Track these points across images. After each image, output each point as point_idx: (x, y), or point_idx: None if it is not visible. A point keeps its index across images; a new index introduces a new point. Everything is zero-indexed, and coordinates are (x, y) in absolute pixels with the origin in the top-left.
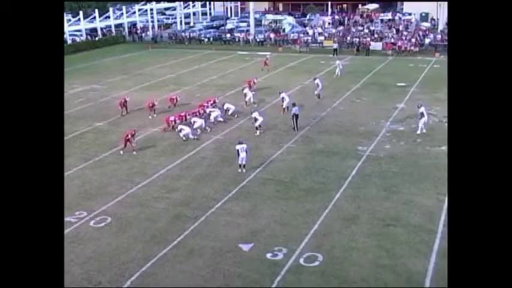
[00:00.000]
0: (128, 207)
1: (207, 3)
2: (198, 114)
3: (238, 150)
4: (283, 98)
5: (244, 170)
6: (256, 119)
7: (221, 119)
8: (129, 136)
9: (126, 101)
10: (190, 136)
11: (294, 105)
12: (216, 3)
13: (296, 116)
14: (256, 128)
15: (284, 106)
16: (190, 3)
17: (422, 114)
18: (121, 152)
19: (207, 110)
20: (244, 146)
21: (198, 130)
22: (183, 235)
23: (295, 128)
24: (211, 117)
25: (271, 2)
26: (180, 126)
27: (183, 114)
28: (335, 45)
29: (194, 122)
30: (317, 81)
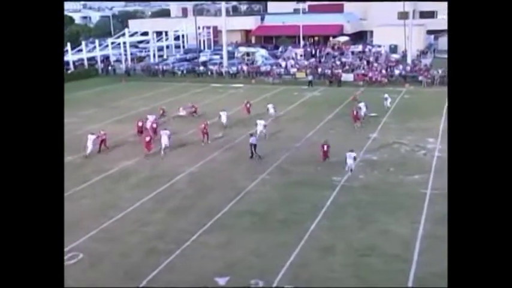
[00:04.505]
0: (100, 242)
1: (180, 36)
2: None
3: (346, 156)
4: (220, 116)
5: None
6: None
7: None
8: (206, 128)
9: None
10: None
11: (251, 135)
12: (189, 36)
13: (253, 145)
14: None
15: (224, 123)
16: (164, 36)
17: None
18: (202, 144)
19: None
20: (353, 154)
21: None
22: (158, 270)
23: (252, 157)
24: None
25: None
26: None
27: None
28: (310, 77)
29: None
30: (361, 104)
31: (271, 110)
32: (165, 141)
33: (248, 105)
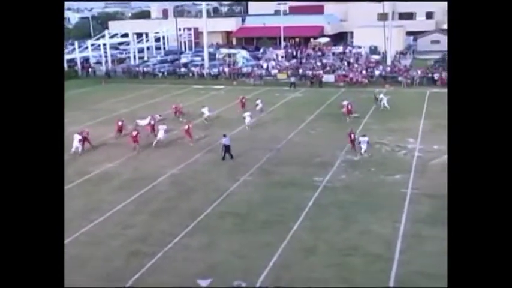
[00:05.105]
0: (82, 245)
1: (161, 37)
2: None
3: (360, 141)
4: (203, 112)
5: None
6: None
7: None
8: (190, 128)
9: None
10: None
11: (224, 136)
12: (170, 37)
13: (226, 146)
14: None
15: (209, 116)
16: (144, 37)
17: None
18: (191, 144)
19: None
20: (366, 138)
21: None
22: (140, 272)
23: (224, 158)
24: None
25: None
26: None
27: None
28: (292, 79)
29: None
30: (344, 102)
31: (260, 105)
32: (161, 134)
33: (244, 100)
